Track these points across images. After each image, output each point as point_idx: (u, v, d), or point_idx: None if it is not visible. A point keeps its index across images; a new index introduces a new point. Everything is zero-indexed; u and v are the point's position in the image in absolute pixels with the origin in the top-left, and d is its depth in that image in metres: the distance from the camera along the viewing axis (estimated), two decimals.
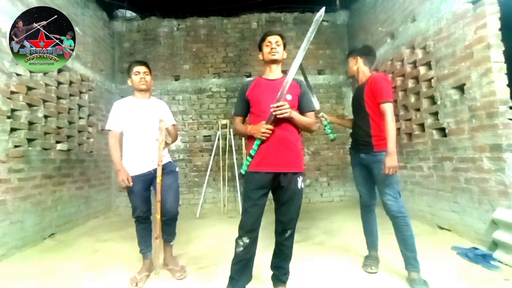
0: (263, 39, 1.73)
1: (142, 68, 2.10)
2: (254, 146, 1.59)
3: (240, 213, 1.68)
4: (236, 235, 1.63)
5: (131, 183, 1.98)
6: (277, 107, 1.51)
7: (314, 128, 1.74)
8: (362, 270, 2.06)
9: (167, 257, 2.17)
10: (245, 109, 1.74)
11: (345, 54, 2.10)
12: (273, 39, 1.69)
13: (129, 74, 2.12)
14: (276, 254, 1.76)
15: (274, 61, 1.70)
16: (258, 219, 1.62)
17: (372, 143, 1.91)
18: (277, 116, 1.52)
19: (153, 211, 2.11)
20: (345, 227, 3.21)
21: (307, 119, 1.67)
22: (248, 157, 1.63)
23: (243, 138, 4.47)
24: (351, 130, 2.18)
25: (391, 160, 1.76)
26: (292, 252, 1.75)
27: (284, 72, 1.73)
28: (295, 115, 1.60)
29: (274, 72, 1.72)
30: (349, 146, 2.20)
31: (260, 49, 1.75)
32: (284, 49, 1.73)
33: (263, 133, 1.54)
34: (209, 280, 2.02)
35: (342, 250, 2.49)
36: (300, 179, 1.65)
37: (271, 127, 1.55)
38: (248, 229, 1.60)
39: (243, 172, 1.66)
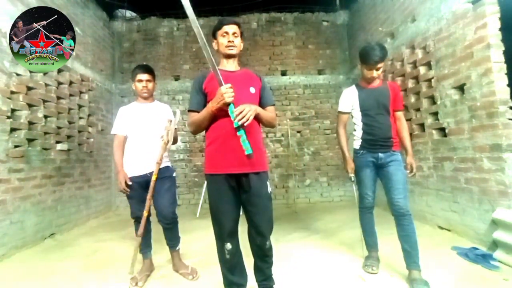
0: (218, 27, 1.56)
1: (144, 76, 2.10)
2: (233, 117, 1.37)
3: (212, 219, 1.54)
4: None
5: (129, 183, 2.01)
6: (239, 114, 1.34)
7: (275, 123, 1.65)
8: (362, 270, 2.06)
9: (175, 263, 2.16)
10: (202, 103, 1.54)
11: (378, 56, 1.92)
12: (230, 29, 1.54)
13: (132, 79, 2.15)
14: (260, 267, 1.60)
15: (231, 56, 1.58)
16: (236, 221, 1.53)
17: (392, 143, 2.01)
18: (241, 121, 1.35)
19: (153, 213, 2.11)
20: (345, 227, 3.21)
21: (270, 114, 1.58)
22: (240, 133, 1.38)
23: None
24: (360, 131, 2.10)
25: (414, 160, 2.04)
26: (273, 258, 1.63)
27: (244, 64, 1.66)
28: (260, 110, 1.49)
29: (231, 64, 1.60)
30: (358, 147, 2.11)
31: (215, 37, 1.59)
32: (241, 38, 1.60)
33: (224, 93, 1.34)
34: (209, 280, 2.02)
35: (342, 250, 2.49)
36: (268, 182, 1.56)
37: (229, 85, 1.36)
38: (229, 234, 1.51)
39: (250, 152, 1.41)
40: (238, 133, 1.39)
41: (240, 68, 1.65)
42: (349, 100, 2.14)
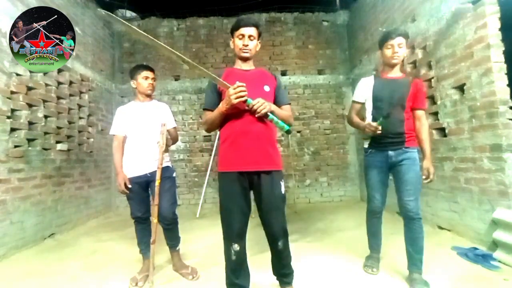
0: (236, 28, 1.56)
1: (151, 74, 2.14)
2: (247, 102, 1.39)
3: (221, 219, 1.56)
4: None
5: (129, 186, 2.01)
6: (253, 106, 1.38)
7: (292, 122, 1.64)
8: (362, 270, 2.06)
9: (175, 263, 2.16)
10: (216, 102, 1.54)
11: (398, 31, 1.84)
12: (247, 31, 1.53)
13: (135, 77, 2.13)
14: (275, 264, 1.67)
15: (246, 59, 1.60)
16: (245, 223, 1.53)
17: (404, 139, 1.86)
18: (257, 115, 1.40)
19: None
20: (345, 227, 3.21)
21: (285, 112, 1.58)
22: (271, 118, 1.43)
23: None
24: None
25: (432, 165, 1.86)
26: (290, 257, 1.67)
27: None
28: (275, 108, 1.50)
29: (246, 64, 1.62)
30: (367, 145, 2.01)
31: (232, 35, 1.60)
32: (259, 39, 1.60)
33: (231, 95, 1.36)
34: (209, 279, 2.02)
35: (343, 250, 2.49)
36: (282, 183, 1.55)
37: (236, 85, 1.37)
38: (236, 235, 1.51)
39: (288, 128, 1.46)
40: (268, 118, 1.44)
41: (256, 67, 1.67)
42: (363, 89, 1.99)
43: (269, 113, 1.43)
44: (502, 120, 2.24)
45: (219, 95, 1.56)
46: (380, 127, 1.76)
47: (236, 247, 1.50)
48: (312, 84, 5.21)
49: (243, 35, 1.54)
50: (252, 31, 1.54)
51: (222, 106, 1.44)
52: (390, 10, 3.77)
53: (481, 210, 2.42)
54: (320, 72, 5.27)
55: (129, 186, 2.01)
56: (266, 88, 1.56)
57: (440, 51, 2.84)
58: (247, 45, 1.54)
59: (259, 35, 1.60)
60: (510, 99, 2.27)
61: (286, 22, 5.35)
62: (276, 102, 1.60)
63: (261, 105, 1.39)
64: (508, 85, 2.28)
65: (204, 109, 1.60)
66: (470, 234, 2.54)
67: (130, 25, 1.30)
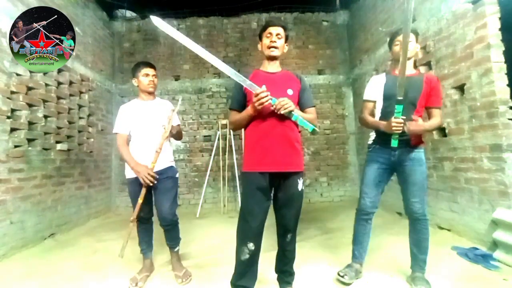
0: (264, 29, 1.61)
1: (151, 71, 2.10)
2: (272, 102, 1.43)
3: (239, 216, 1.59)
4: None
5: (156, 176, 1.93)
6: (278, 103, 1.42)
7: (316, 124, 1.63)
8: (355, 272, 1.91)
9: (173, 263, 2.15)
10: (242, 103, 1.61)
11: (414, 33, 1.80)
12: (275, 30, 1.57)
13: (136, 75, 2.09)
14: (279, 258, 1.72)
15: (273, 58, 1.62)
16: (262, 223, 1.55)
17: (409, 138, 1.78)
18: (280, 112, 1.42)
19: (154, 213, 2.11)
20: (345, 227, 3.20)
21: (309, 115, 1.59)
22: (295, 118, 1.46)
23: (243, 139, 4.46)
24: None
25: (416, 126, 1.73)
26: (295, 255, 1.72)
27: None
28: (297, 111, 1.53)
29: (272, 66, 1.65)
30: (371, 141, 1.96)
31: (260, 38, 1.65)
32: (286, 42, 1.64)
33: (260, 99, 1.40)
34: (209, 280, 2.02)
35: (342, 250, 2.48)
36: (300, 181, 1.59)
37: (262, 89, 1.42)
38: (253, 234, 1.52)
39: (313, 128, 1.47)
40: (293, 118, 1.47)
41: (282, 69, 1.69)
42: (374, 87, 1.92)
43: (293, 113, 1.45)
44: (502, 120, 2.24)
45: (244, 96, 1.61)
46: (404, 119, 1.67)
47: (251, 246, 1.52)
48: (312, 84, 5.20)
49: (271, 34, 1.58)
50: (279, 30, 1.58)
51: (250, 109, 1.49)
52: (390, 10, 3.77)
53: (481, 210, 2.42)
54: (320, 72, 5.27)
55: (157, 176, 1.92)
56: (290, 92, 1.57)
57: (440, 51, 2.84)
58: (275, 42, 1.57)
59: (287, 37, 1.63)
60: (510, 99, 2.27)
61: (286, 22, 5.34)
62: (300, 104, 1.63)
63: (286, 103, 1.42)
64: (508, 85, 2.28)
65: (230, 109, 1.66)
66: (470, 234, 2.54)
67: (181, 33, 1.39)
